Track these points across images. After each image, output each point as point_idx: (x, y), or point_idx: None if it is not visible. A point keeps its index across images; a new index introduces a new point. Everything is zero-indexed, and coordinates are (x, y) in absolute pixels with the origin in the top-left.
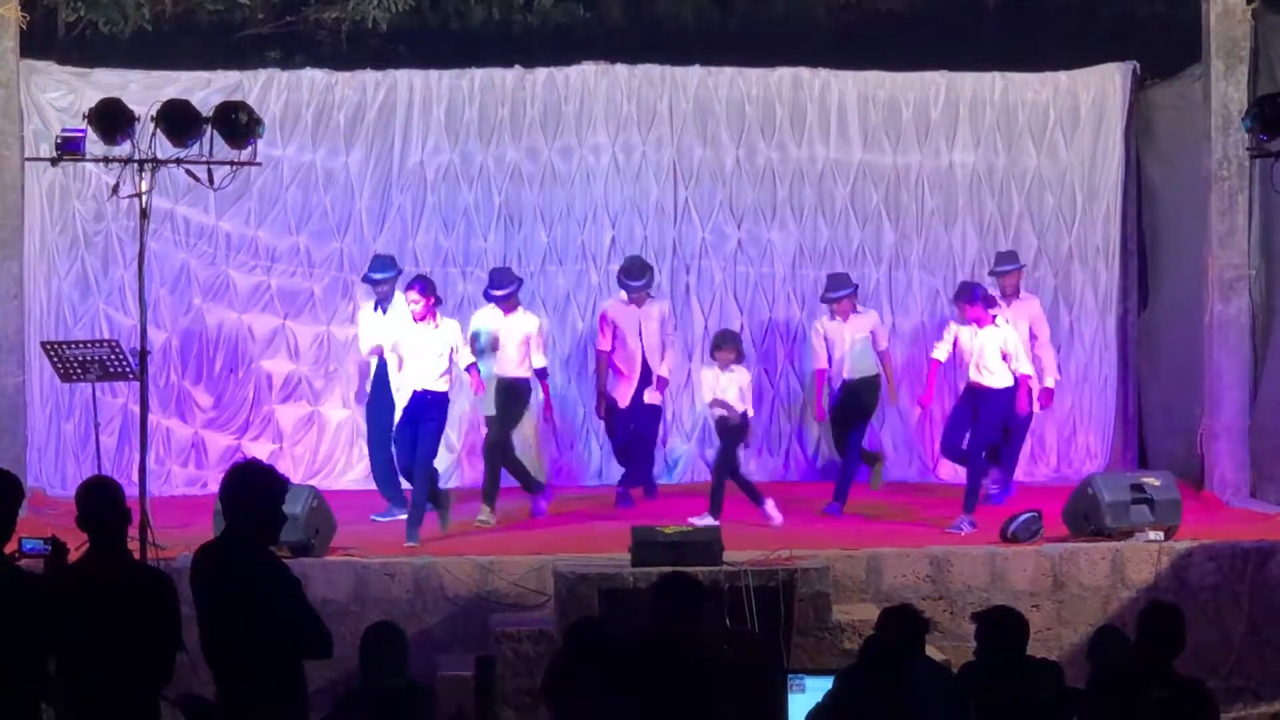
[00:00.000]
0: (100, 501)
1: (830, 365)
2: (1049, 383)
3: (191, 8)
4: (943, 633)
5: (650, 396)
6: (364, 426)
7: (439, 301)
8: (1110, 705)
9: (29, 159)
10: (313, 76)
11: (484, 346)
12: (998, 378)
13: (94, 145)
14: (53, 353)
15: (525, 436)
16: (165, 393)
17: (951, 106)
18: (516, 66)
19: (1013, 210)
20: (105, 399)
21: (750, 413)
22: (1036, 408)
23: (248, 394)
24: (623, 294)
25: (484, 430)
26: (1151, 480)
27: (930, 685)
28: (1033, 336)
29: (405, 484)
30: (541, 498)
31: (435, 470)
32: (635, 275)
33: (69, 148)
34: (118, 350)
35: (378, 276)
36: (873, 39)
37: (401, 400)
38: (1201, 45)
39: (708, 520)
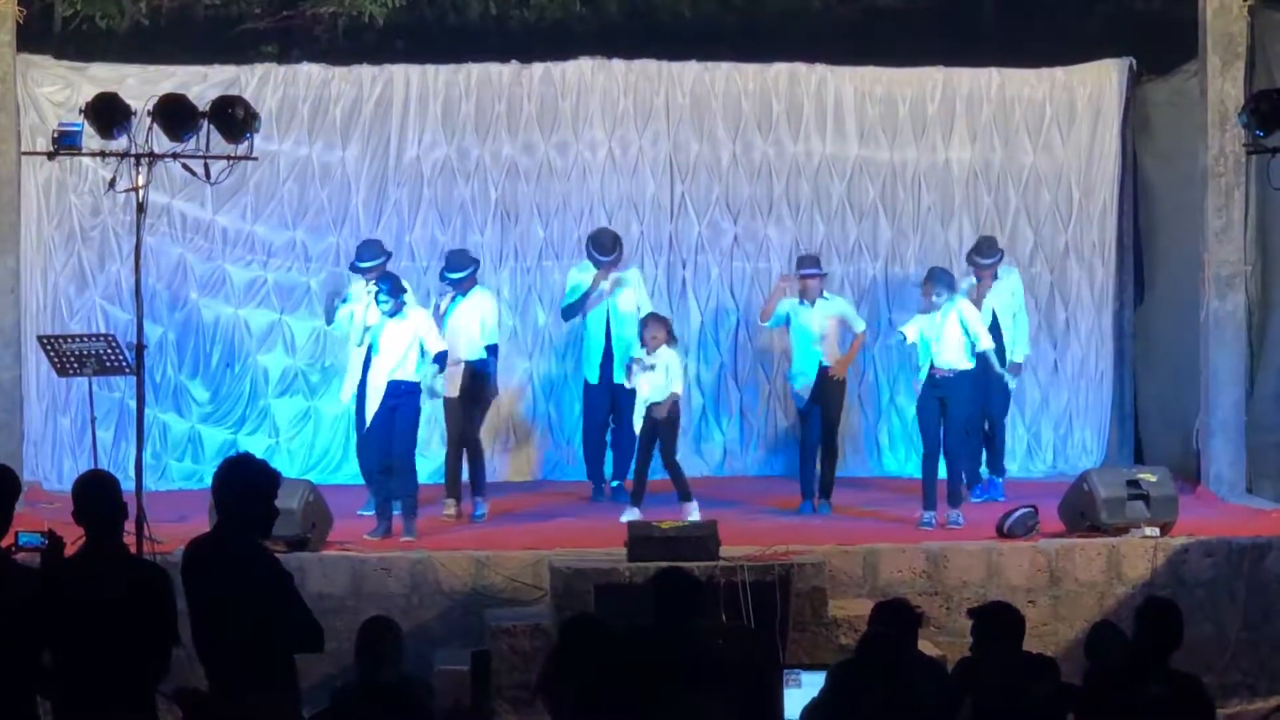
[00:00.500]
0: (97, 496)
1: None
2: (1017, 357)
3: (188, 2)
4: (939, 628)
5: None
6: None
7: (403, 291)
8: (1106, 701)
9: (25, 153)
10: (309, 71)
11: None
12: (960, 359)
13: (90, 140)
14: (49, 347)
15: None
16: (162, 387)
17: (948, 102)
18: (513, 61)
19: (1009, 206)
20: (102, 393)
21: (676, 390)
22: (1011, 382)
23: (244, 388)
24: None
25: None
26: (1148, 476)
27: (925, 680)
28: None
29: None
30: (482, 500)
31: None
32: (606, 250)
33: (65, 142)
34: (114, 344)
35: (366, 265)
36: (870, 35)
37: (375, 393)
38: (1198, 41)
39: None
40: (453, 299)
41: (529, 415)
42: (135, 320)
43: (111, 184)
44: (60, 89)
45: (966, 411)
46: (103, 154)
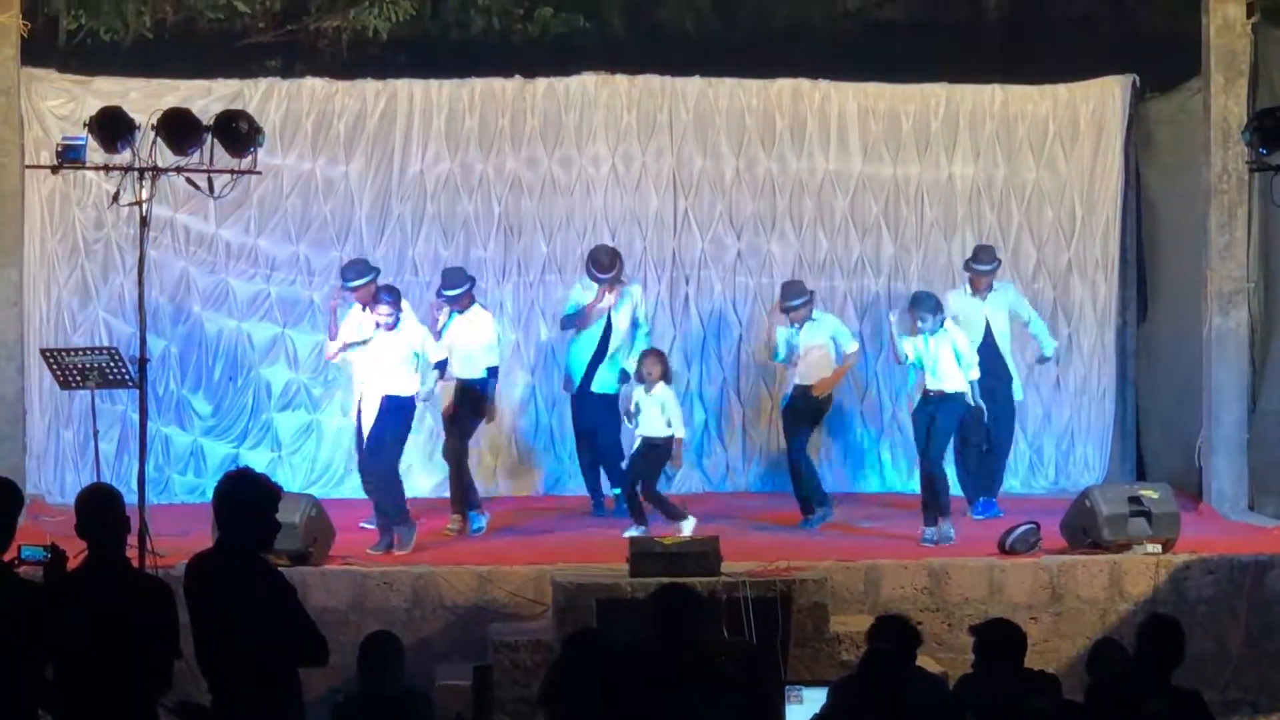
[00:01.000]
0: (99, 509)
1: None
2: (1048, 351)
3: (192, 16)
4: (940, 645)
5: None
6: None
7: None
8: (1108, 718)
9: (29, 166)
10: (313, 85)
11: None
12: (952, 382)
13: (94, 153)
14: (52, 360)
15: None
16: (164, 400)
17: (951, 118)
18: (517, 76)
19: (1012, 222)
20: (104, 406)
21: (679, 435)
22: (1019, 393)
23: (247, 402)
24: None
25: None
26: (1149, 493)
27: (927, 697)
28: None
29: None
30: (477, 514)
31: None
32: (604, 268)
33: (69, 155)
34: (117, 358)
35: (354, 285)
36: (873, 51)
37: (371, 407)
38: (1201, 59)
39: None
40: (449, 315)
41: (531, 429)
42: (138, 333)
43: (115, 197)
44: (64, 102)
45: (955, 426)
46: (106, 168)
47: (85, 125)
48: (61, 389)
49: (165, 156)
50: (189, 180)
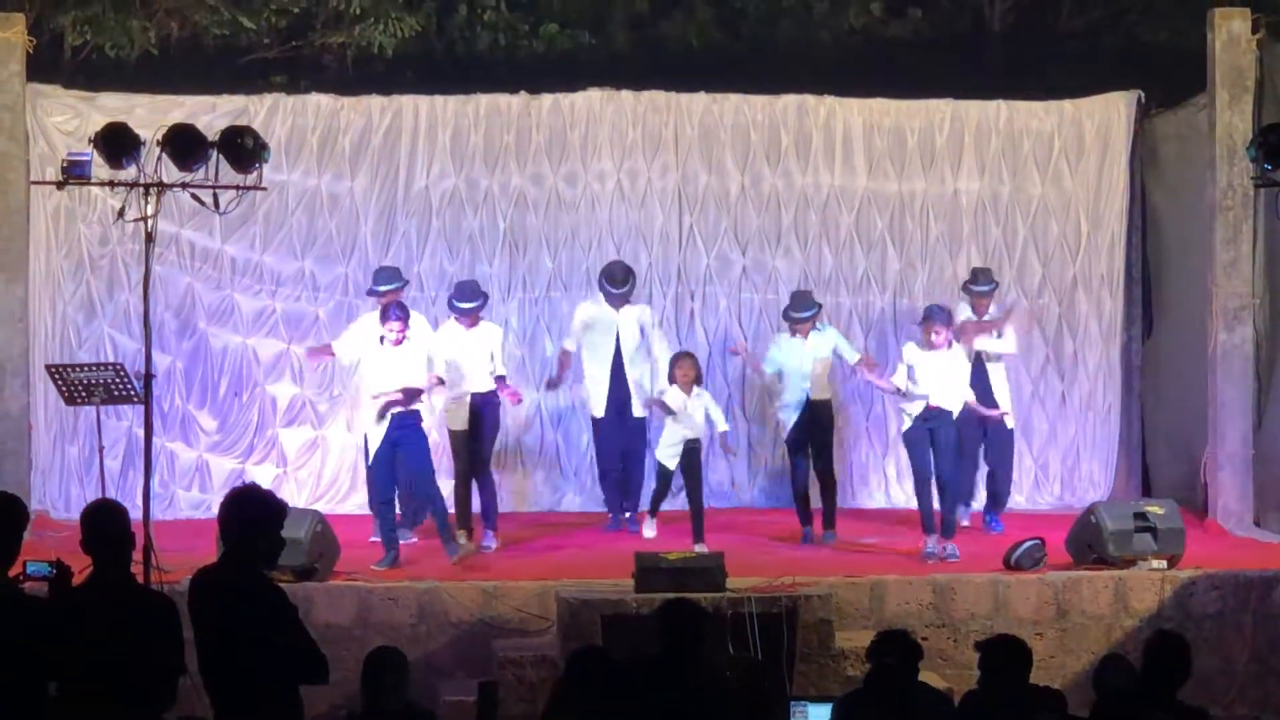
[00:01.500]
0: (105, 525)
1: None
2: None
3: (197, 32)
4: (945, 660)
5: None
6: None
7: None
8: None
9: (35, 182)
10: (318, 101)
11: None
12: (955, 403)
13: (100, 169)
14: (57, 376)
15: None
16: (170, 416)
17: (957, 134)
18: (522, 92)
19: (1017, 238)
20: (110, 422)
21: (724, 428)
22: (1010, 421)
23: (252, 417)
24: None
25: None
26: (1155, 509)
27: (932, 713)
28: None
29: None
30: (493, 533)
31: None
32: (618, 283)
33: (75, 171)
34: (122, 373)
35: (384, 289)
36: (878, 66)
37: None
38: (1206, 75)
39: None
40: (459, 327)
41: (536, 445)
42: (144, 349)
43: (120, 213)
44: (69, 118)
45: (956, 439)
46: (112, 183)
47: (90, 141)
48: (67, 405)
49: (170, 172)
50: (194, 196)
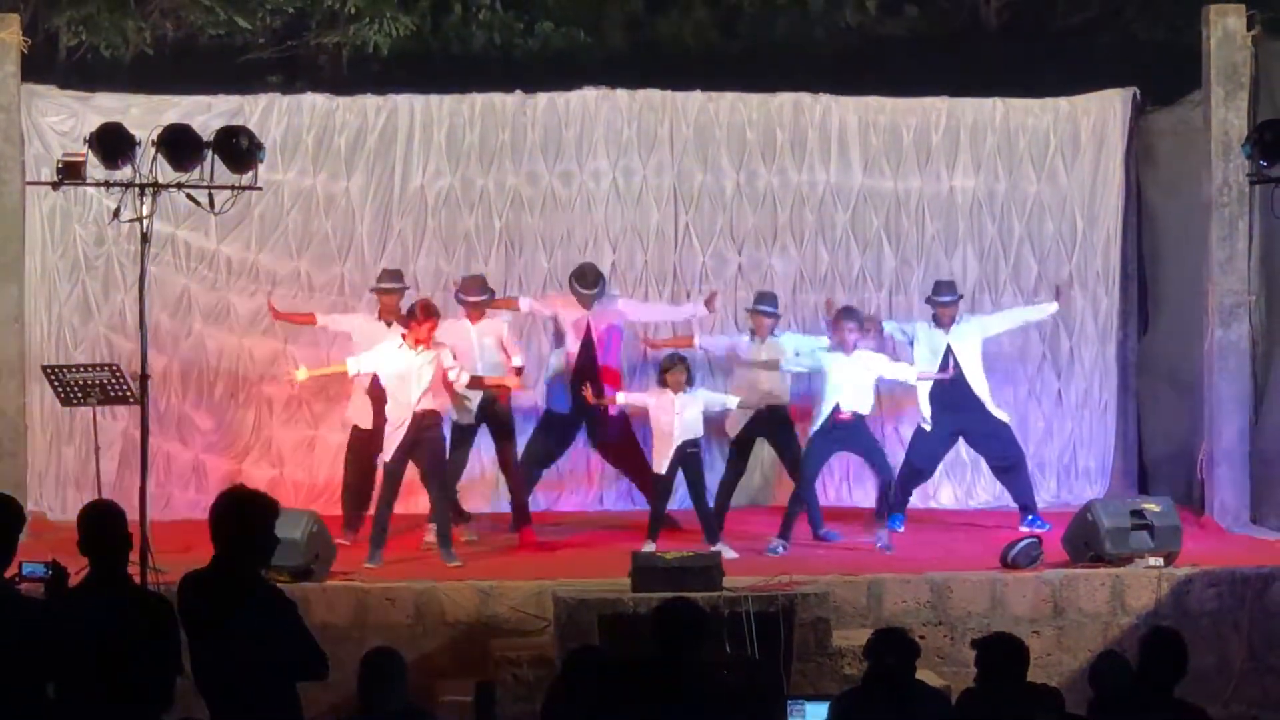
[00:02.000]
0: (101, 526)
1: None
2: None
3: (192, 32)
4: (943, 659)
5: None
6: None
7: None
8: None
9: (30, 183)
10: (314, 101)
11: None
12: (863, 405)
13: (95, 169)
14: (53, 377)
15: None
16: (166, 417)
17: (952, 132)
18: (517, 91)
19: (1013, 236)
20: (106, 423)
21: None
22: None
23: (248, 418)
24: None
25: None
26: (1151, 506)
27: (930, 711)
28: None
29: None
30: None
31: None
32: (589, 283)
33: (70, 172)
34: (118, 374)
35: (388, 286)
36: (873, 64)
37: (398, 425)
38: (1202, 71)
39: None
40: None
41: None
42: (139, 350)
43: (116, 214)
44: (65, 119)
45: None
46: (107, 184)
47: (86, 141)
48: (63, 406)
49: (166, 173)
50: (190, 196)
